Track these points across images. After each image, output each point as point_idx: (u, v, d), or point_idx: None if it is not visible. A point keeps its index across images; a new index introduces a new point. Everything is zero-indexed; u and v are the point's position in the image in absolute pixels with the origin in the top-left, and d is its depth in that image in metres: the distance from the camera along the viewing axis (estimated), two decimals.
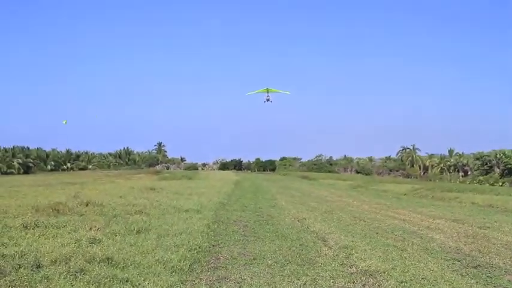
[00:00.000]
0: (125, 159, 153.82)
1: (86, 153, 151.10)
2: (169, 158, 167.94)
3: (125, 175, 72.27)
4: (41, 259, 9.86)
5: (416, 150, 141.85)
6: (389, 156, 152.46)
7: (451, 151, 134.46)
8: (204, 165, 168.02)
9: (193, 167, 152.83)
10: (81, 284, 8.37)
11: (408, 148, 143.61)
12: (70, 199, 21.70)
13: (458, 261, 12.01)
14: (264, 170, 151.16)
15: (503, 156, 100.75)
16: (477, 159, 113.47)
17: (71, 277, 8.81)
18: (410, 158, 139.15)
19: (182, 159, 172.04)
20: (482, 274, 10.63)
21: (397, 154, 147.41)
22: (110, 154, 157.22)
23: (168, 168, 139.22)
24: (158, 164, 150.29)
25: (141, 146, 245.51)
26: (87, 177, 62.91)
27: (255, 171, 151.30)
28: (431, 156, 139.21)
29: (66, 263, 9.77)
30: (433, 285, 9.42)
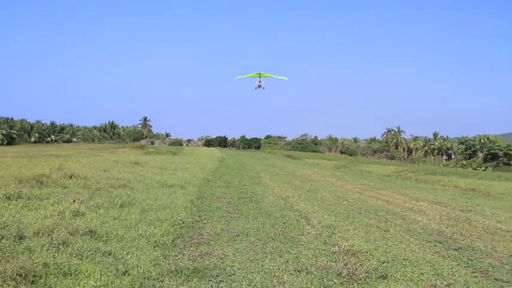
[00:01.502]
0: (110, 133, 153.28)
1: (71, 126, 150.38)
2: (155, 133, 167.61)
3: (109, 149, 71.99)
4: (23, 230, 9.79)
5: (401, 133, 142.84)
6: (374, 138, 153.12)
7: (435, 134, 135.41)
8: (189, 141, 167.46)
9: (178, 143, 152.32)
10: (64, 256, 8.32)
11: (393, 130, 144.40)
12: (54, 171, 21.54)
13: (440, 243, 12.08)
14: (248, 148, 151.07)
15: (487, 141, 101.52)
16: (461, 143, 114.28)
17: (53, 249, 8.76)
18: (395, 140, 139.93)
19: (167, 135, 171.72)
20: (464, 256, 10.70)
21: (382, 136, 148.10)
22: (95, 127, 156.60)
23: (152, 143, 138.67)
24: (143, 139, 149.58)
25: (127, 121, 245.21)
26: (71, 149, 62.71)
27: (239, 148, 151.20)
28: (415, 139, 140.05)
29: (48, 235, 9.71)
30: (414, 266, 9.47)
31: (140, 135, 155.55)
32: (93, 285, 7.09)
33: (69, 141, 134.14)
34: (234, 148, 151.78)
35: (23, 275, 7.08)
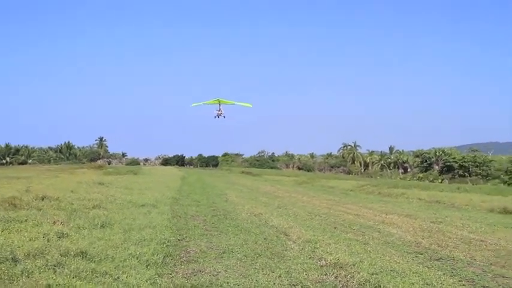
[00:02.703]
0: (66, 154, 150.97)
1: (26, 147, 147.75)
2: (111, 153, 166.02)
3: (67, 170, 70.82)
4: (15, 253, 9.77)
5: (358, 147, 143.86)
6: (331, 153, 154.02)
7: (391, 148, 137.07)
8: (146, 160, 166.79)
9: (135, 162, 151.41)
10: (62, 277, 8.35)
11: (349, 145, 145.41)
12: (23, 193, 21.32)
13: (421, 254, 12.44)
14: (206, 166, 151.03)
15: (442, 154, 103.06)
16: (417, 156, 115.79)
17: (50, 271, 8.78)
18: (351, 155, 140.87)
19: (123, 154, 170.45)
20: (447, 266, 11.07)
21: (339, 151, 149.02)
22: (51, 148, 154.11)
23: (109, 163, 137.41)
24: (100, 159, 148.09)
25: (82, 141, 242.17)
26: (30, 171, 61.55)
27: (197, 166, 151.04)
28: (371, 153, 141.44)
29: (41, 257, 9.71)
30: (403, 277, 9.74)
31: (97, 155, 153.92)
32: None
33: (24, 162, 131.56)
34: (191, 166, 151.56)
35: None
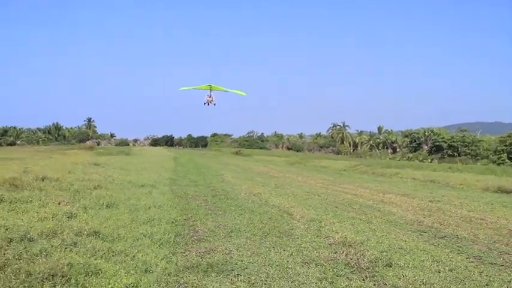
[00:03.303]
0: (55, 135, 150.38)
1: (14, 128, 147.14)
2: (99, 133, 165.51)
3: (58, 151, 70.58)
4: (30, 233, 9.89)
5: (347, 128, 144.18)
6: (320, 133, 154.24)
7: (380, 128, 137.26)
8: (135, 141, 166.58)
9: (124, 143, 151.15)
10: (81, 256, 8.46)
11: (338, 125, 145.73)
12: (21, 174, 21.36)
13: (425, 232, 12.61)
14: (195, 146, 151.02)
15: (431, 134, 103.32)
16: (406, 136, 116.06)
17: (67, 250, 8.88)
18: (340, 135, 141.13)
19: (112, 135, 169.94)
20: (452, 244, 11.25)
21: (328, 131, 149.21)
22: (39, 129, 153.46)
23: (98, 144, 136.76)
24: (89, 140, 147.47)
25: (71, 122, 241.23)
26: (21, 152, 61.27)
27: (186, 147, 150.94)
28: (360, 133, 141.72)
29: (55, 237, 9.83)
30: (412, 255, 9.91)
31: (86, 136, 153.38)
32: (126, 283, 7.28)
33: (13, 143, 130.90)
34: (180, 147, 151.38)
35: (54, 275, 7.23)
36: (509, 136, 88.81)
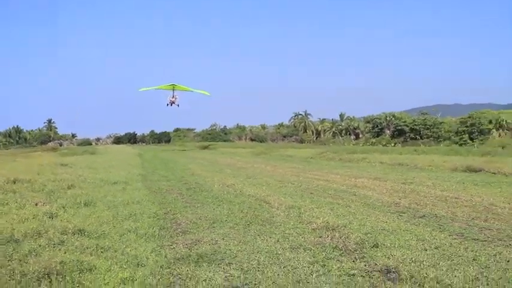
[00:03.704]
0: (15, 138, 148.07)
1: None
2: (61, 134, 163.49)
3: (21, 154, 69.37)
4: (14, 234, 9.83)
5: (308, 116, 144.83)
6: (282, 123, 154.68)
7: (342, 115, 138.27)
8: (97, 140, 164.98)
9: (87, 142, 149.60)
10: (71, 254, 8.43)
11: (300, 114, 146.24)
12: None
13: (403, 213, 12.84)
14: (159, 142, 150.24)
15: (393, 118, 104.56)
16: (367, 122, 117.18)
17: (56, 249, 8.85)
18: (303, 124, 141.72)
19: (73, 135, 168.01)
20: (433, 223, 11.48)
21: (290, 120, 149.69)
22: None
23: (61, 144, 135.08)
24: (50, 141, 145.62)
25: (31, 124, 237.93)
26: None
27: (149, 143, 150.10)
28: (323, 121, 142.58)
29: (41, 237, 9.79)
30: (396, 235, 10.08)
31: (47, 138, 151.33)
32: (122, 278, 7.29)
33: None
34: (144, 144, 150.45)
35: (49, 274, 7.21)
36: (469, 117, 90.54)
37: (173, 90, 43.85)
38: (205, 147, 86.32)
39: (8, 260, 8.04)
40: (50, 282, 6.96)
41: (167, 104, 49.73)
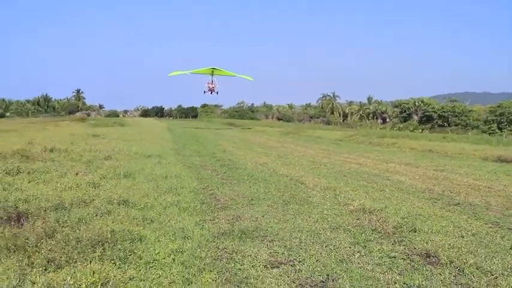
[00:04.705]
0: (44, 107, 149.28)
1: (3, 100, 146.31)
2: (88, 105, 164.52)
3: (50, 122, 70.27)
4: (63, 202, 10.18)
5: (336, 98, 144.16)
6: (310, 104, 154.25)
7: (369, 98, 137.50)
8: (125, 112, 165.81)
9: (114, 114, 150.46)
10: (119, 224, 8.73)
11: (328, 95, 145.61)
12: (28, 146, 21.56)
13: (438, 200, 12.92)
14: (185, 117, 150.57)
15: (422, 104, 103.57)
16: (395, 106, 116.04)
17: (104, 218, 9.17)
18: (330, 105, 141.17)
19: (101, 106, 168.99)
20: (468, 210, 11.57)
21: (318, 101, 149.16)
22: (28, 101, 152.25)
23: (88, 115, 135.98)
24: (78, 111, 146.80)
25: (59, 93, 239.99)
26: (13, 124, 60.99)
27: (176, 118, 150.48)
28: (350, 103, 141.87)
29: (88, 205, 10.13)
30: (432, 221, 10.23)
31: (75, 108, 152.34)
32: (172, 249, 7.59)
33: (2, 115, 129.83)
34: (171, 118, 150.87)
35: (100, 241, 7.50)
36: (499, 106, 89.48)
37: (212, 75, 41.49)
38: (231, 124, 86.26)
39: (62, 226, 8.37)
40: (103, 249, 7.26)
41: (205, 92, 47.51)
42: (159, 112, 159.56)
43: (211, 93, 40.70)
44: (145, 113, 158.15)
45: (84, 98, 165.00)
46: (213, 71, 39.39)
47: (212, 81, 39.41)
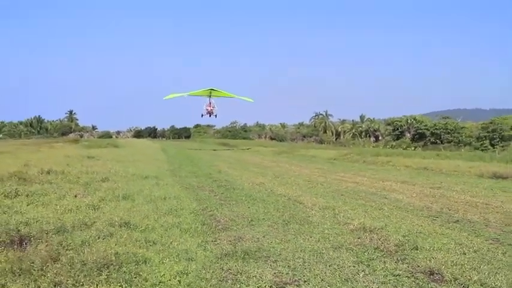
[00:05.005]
0: (37, 128, 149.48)
1: None
2: (81, 126, 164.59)
3: (44, 144, 70.09)
4: (65, 225, 10.19)
5: (329, 116, 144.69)
6: (302, 123, 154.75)
7: (362, 117, 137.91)
8: (118, 133, 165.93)
9: (107, 135, 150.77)
10: (122, 246, 8.73)
11: (321, 114, 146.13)
12: (24, 168, 21.58)
13: (437, 217, 12.97)
14: (178, 138, 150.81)
15: (414, 122, 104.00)
16: (388, 124, 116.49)
17: (106, 240, 9.18)
18: (323, 124, 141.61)
19: (94, 127, 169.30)
20: (467, 227, 11.63)
21: (310, 120, 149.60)
22: (21, 123, 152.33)
23: (81, 136, 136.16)
24: (71, 133, 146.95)
25: (52, 115, 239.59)
26: (6, 146, 60.84)
27: (170, 138, 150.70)
28: (343, 122, 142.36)
29: (88, 228, 10.15)
30: (433, 238, 10.28)
31: (68, 129, 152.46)
32: (177, 270, 7.60)
33: None
34: (164, 139, 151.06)
35: (106, 264, 7.51)
36: (491, 123, 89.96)
37: (209, 96, 40.52)
38: (225, 144, 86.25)
39: (66, 249, 8.39)
40: (109, 272, 7.28)
41: (202, 115, 46.51)
42: (152, 133, 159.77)
43: (210, 116, 40.02)
44: (138, 134, 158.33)
45: (77, 119, 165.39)
46: (211, 92, 38.66)
47: (210, 103, 38.54)
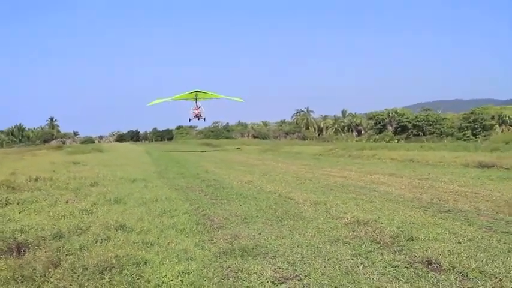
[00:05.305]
0: (18, 137, 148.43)
1: None
2: (63, 132, 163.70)
3: (26, 152, 69.63)
4: (61, 230, 10.20)
5: (311, 113, 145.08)
6: (284, 120, 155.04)
7: (344, 112, 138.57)
8: (100, 137, 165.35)
9: (90, 140, 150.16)
10: (121, 249, 8.75)
11: (302, 111, 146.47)
12: (12, 176, 21.51)
13: (428, 208, 13.08)
14: (161, 140, 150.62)
15: (396, 115, 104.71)
16: (370, 118, 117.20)
17: (104, 244, 9.19)
18: (305, 121, 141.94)
19: (75, 133, 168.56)
20: (459, 217, 11.74)
21: (292, 117, 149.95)
22: (2, 132, 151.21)
23: (64, 142, 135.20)
24: (53, 140, 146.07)
25: (33, 122, 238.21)
26: None
27: (152, 141, 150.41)
28: (325, 117, 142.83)
29: (84, 233, 10.16)
30: (427, 228, 10.37)
31: (50, 136, 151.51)
32: (178, 270, 7.64)
33: None
34: (146, 141, 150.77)
35: (107, 267, 7.54)
36: (472, 113, 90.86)
37: (195, 99, 39.61)
38: (208, 144, 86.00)
39: (66, 255, 8.41)
40: (111, 275, 7.31)
41: (190, 119, 45.39)
42: (134, 136, 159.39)
43: (198, 119, 39.39)
44: (120, 138, 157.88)
45: (58, 126, 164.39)
46: (196, 95, 37.99)
47: (197, 106, 37.84)
